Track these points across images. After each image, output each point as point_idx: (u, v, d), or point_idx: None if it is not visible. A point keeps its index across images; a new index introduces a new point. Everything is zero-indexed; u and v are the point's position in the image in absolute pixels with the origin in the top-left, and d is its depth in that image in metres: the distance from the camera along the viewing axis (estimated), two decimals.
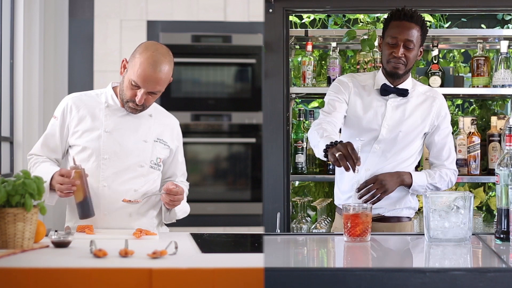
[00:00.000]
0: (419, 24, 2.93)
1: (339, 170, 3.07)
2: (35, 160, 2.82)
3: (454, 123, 4.04)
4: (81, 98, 2.84)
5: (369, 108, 2.99)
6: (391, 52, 2.91)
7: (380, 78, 3.00)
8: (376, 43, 3.76)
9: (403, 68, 2.93)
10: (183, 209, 2.87)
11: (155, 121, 2.87)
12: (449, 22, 4.27)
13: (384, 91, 2.98)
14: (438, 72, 3.87)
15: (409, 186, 2.94)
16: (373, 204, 2.80)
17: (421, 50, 2.99)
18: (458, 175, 3.81)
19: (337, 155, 2.52)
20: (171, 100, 4.47)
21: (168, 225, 2.98)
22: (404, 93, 2.97)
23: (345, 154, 2.51)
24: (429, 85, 3.80)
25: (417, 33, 2.92)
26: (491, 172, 3.84)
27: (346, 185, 3.05)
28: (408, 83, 3.00)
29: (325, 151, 2.62)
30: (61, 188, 2.60)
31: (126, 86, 2.73)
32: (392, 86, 2.98)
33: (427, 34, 3.89)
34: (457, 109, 4.37)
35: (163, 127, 2.89)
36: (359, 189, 2.88)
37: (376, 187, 2.87)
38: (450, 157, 3.03)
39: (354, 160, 2.51)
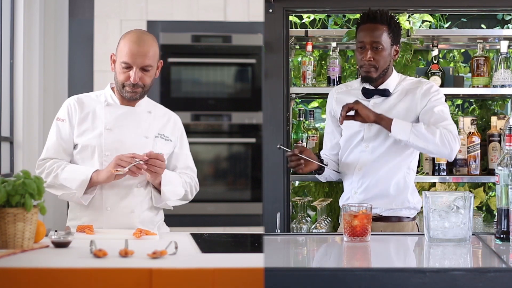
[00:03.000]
0: (385, 24, 2.92)
1: (342, 172, 3.09)
2: (56, 163, 2.80)
3: (454, 123, 4.03)
4: (81, 98, 2.89)
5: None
6: (361, 57, 2.92)
7: (365, 84, 3.03)
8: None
9: (375, 72, 2.93)
10: (173, 191, 2.85)
11: (155, 117, 2.90)
12: (449, 22, 4.27)
13: (366, 93, 3.00)
14: (438, 72, 3.87)
15: (389, 126, 2.84)
16: (347, 118, 2.87)
17: (397, 49, 2.98)
18: (458, 175, 3.84)
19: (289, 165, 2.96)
20: (171, 100, 4.46)
21: (168, 225, 2.98)
22: (386, 93, 2.97)
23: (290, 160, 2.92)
24: None
25: (384, 33, 2.91)
26: (491, 172, 3.84)
27: (346, 186, 3.06)
28: (390, 82, 3.00)
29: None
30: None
31: (118, 72, 2.79)
32: (373, 87, 2.99)
33: (427, 34, 3.94)
34: (457, 109, 4.37)
35: (164, 122, 2.92)
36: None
37: (351, 105, 2.86)
38: (443, 122, 2.87)
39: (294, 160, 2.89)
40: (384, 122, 2.86)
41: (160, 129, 2.89)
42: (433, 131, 2.83)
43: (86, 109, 2.84)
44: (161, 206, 2.89)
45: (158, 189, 2.83)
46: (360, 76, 3.01)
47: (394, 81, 3.01)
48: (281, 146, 3.01)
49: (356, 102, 2.88)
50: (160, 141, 2.87)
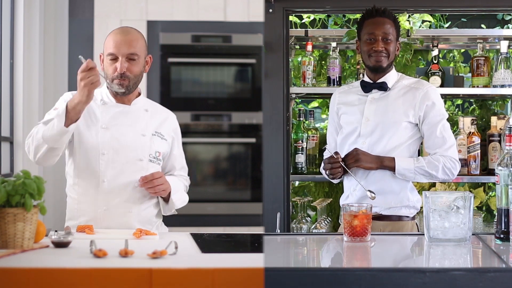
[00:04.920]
0: (391, 19, 3.01)
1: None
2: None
3: (454, 123, 4.04)
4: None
5: (352, 107, 3.06)
6: (371, 47, 2.98)
7: (365, 78, 3.08)
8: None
9: (386, 61, 2.99)
10: (181, 198, 2.89)
11: (152, 115, 2.90)
12: (449, 22, 4.28)
13: (365, 87, 3.05)
14: (438, 72, 3.87)
15: (392, 169, 2.94)
16: (340, 174, 2.96)
17: (398, 45, 3.04)
18: (458, 175, 3.82)
19: (328, 172, 2.98)
20: (171, 100, 4.46)
21: (168, 225, 2.98)
22: (383, 86, 3.00)
23: (327, 168, 2.96)
24: None
25: (392, 27, 3.00)
26: (491, 172, 3.84)
27: (346, 183, 3.08)
28: (389, 77, 3.03)
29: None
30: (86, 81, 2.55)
31: (106, 66, 2.79)
32: (371, 81, 3.04)
33: (427, 34, 3.94)
34: (457, 109, 4.37)
35: (161, 121, 2.92)
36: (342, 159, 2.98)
37: (350, 156, 2.95)
38: (443, 145, 2.97)
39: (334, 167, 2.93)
40: (387, 164, 2.95)
41: (157, 127, 2.89)
42: (435, 167, 2.94)
43: None
44: (168, 214, 2.90)
45: (163, 197, 2.85)
46: (362, 74, 3.04)
47: (393, 77, 3.04)
48: (327, 149, 3.06)
49: (356, 151, 2.95)
50: (157, 139, 2.87)
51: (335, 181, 3.15)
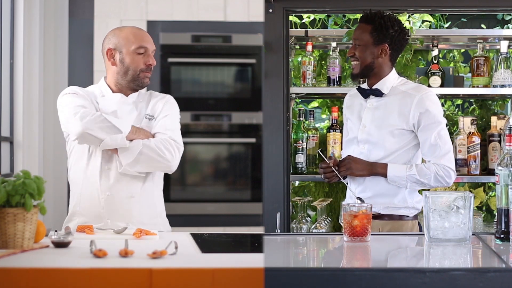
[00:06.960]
0: (370, 23, 2.98)
1: None
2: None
3: (454, 123, 4.04)
4: (79, 90, 2.90)
5: (353, 113, 3.09)
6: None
7: (363, 84, 3.11)
8: None
9: (357, 68, 3.00)
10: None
11: (148, 103, 2.92)
12: (449, 22, 4.28)
13: (362, 93, 3.06)
14: (438, 72, 3.87)
15: (384, 176, 2.94)
16: (335, 178, 2.98)
17: (383, 48, 2.98)
18: (458, 175, 3.83)
19: (322, 176, 3.02)
20: None
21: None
22: (376, 93, 3.00)
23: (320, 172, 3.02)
24: (429, 85, 3.80)
25: (366, 32, 2.98)
26: (491, 172, 3.84)
27: (348, 186, 3.08)
28: (385, 83, 3.01)
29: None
30: None
31: (132, 60, 2.82)
32: (366, 87, 3.05)
33: (427, 34, 3.94)
34: (457, 109, 4.37)
35: (152, 104, 2.92)
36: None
37: (342, 164, 2.97)
38: (437, 153, 2.92)
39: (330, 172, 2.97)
40: (378, 171, 2.96)
41: (149, 110, 2.90)
42: (426, 175, 2.92)
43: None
44: (134, 170, 2.81)
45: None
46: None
47: (390, 82, 3.01)
48: (320, 153, 3.07)
49: (348, 159, 2.97)
50: (145, 121, 2.88)
51: (345, 181, 3.14)
